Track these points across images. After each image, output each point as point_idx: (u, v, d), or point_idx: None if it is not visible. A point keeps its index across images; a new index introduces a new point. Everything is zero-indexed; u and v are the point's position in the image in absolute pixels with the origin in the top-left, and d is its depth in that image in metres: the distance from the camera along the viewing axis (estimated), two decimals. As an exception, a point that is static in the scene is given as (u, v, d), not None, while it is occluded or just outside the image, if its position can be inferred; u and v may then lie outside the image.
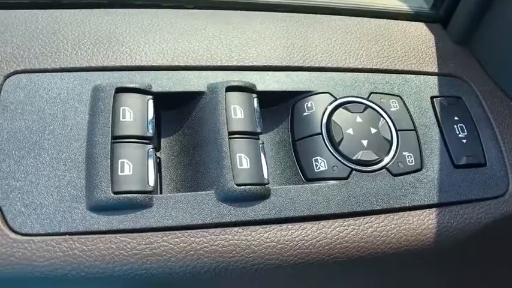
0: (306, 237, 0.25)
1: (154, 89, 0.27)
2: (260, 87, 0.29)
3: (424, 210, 0.28)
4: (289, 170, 0.28)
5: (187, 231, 0.24)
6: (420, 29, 0.36)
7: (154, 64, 0.28)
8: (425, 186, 0.28)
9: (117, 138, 0.25)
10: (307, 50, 0.31)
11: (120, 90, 0.26)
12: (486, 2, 0.33)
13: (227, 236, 0.24)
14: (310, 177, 0.27)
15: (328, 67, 0.31)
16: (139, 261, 0.23)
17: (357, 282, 0.29)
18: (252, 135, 0.27)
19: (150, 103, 0.26)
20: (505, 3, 0.32)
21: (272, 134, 0.29)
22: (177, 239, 0.24)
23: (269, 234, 0.25)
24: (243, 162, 0.26)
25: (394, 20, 0.36)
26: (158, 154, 0.28)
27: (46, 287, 0.23)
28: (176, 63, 0.28)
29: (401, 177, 0.28)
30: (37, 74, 0.27)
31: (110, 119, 0.25)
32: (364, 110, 0.29)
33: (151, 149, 0.25)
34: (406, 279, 0.31)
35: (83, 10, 0.30)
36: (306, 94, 0.29)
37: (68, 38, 0.28)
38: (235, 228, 0.25)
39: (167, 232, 0.24)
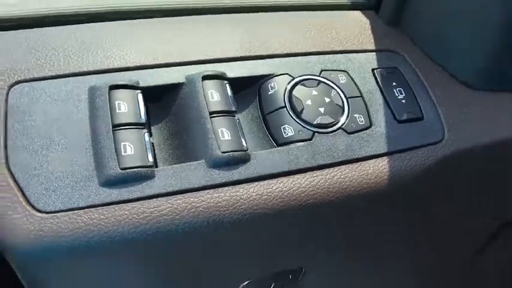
0: (284, 189, 0.31)
1: (142, 84, 0.32)
2: (230, 75, 0.34)
3: (377, 159, 0.34)
4: (263, 139, 0.33)
5: (186, 194, 0.29)
6: (357, 16, 0.42)
7: (138, 64, 0.33)
8: (376, 139, 0.34)
9: (116, 127, 0.29)
10: (265, 41, 0.37)
11: (113, 87, 0.31)
12: None
13: (219, 194, 0.29)
14: (281, 142, 0.33)
15: (285, 53, 0.37)
16: (150, 223, 0.28)
17: (329, 225, 0.35)
18: (228, 113, 0.32)
19: (140, 96, 0.31)
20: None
21: (245, 113, 0.35)
22: (179, 201, 0.29)
23: (253, 189, 0.30)
24: (225, 134, 0.31)
25: (335, 11, 0.43)
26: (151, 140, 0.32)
27: (72, 255, 0.27)
28: (157, 62, 0.33)
29: (355, 134, 0.34)
30: (37, 81, 0.31)
31: (109, 111, 0.30)
32: (318, 84, 0.35)
33: (146, 133, 0.30)
34: (368, 219, 0.36)
35: (67, 26, 0.35)
36: (269, 77, 0.35)
37: (58, 49, 0.33)
38: (226, 188, 0.30)
39: (170, 196, 0.29)
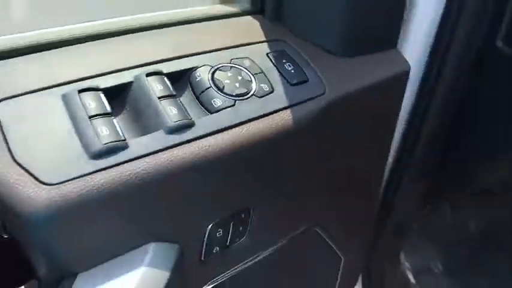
0: (222, 141, 0.43)
1: (101, 86, 0.42)
2: (166, 71, 0.46)
3: (281, 111, 0.48)
4: (200, 112, 0.45)
5: (154, 154, 0.40)
6: (249, 19, 0.57)
7: (96, 73, 0.43)
8: (279, 99, 0.48)
9: (91, 117, 0.40)
10: (188, 44, 0.49)
11: (81, 91, 0.41)
12: None
13: (178, 151, 0.41)
14: (213, 111, 0.45)
15: (203, 51, 0.49)
16: (132, 178, 0.38)
17: (257, 166, 0.48)
18: (171, 96, 0.44)
19: (102, 95, 0.42)
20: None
21: (183, 97, 0.47)
22: (151, 159, 0.40)
23: (202, 144, 0.42)
24: (172, 110, 0.42)
25: (233, 18, 0.57)
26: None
27: (78, 213, 0.37)
28: (111, 69, 0.44)
29: (264, 97, 0.48)
30: (17, 97, 0.40)
31: (82, 107, 0.40)
32: (231, 68, 0.49)
33: (114, 119, 0.41)
34: (287, 158, 0.50)
35: (33, 55, 0.44)
36: (194, 69, 0.47)
37: (31, 71, 0.42)
38: (181, 146, 0.41)
39: (143, 158, 0.39)
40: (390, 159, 0.88)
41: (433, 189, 1.31)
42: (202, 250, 0.50)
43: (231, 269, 0.57)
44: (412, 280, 1.37)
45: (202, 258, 0.51)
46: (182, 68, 0.47)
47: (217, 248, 0.51)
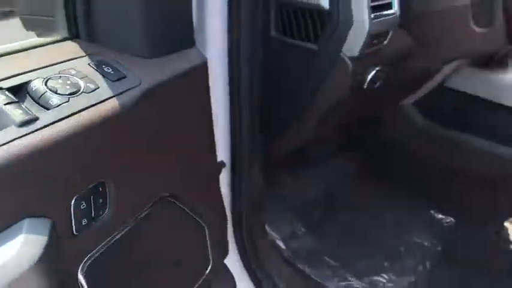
0: (63, 128, 0.57)
1: None
2: (5, 87, 0.58)
3: (108, 100, 0.63)
4: (41, 110, 0.58)
5: (10, 143, 0.52)
6: (71, 43, 0.72)
7: None
8: (105, 92, 0.64)
9: None
10: (21, 66, 0.62)
11: None
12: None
13: (29, 138, 0.52)
14: (52, 108, 0.59)
15: (35, 68, 0.63)
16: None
17: (103, 143, 0.63)
18: (15, 102, 0.56)
19: None
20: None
21: (24, 104, 0.59)
22: (7, 147, 0.51)
23: (46, 131, 0.55)
24: (18, 111, 0.55)
25: (59, 43, 0.72)
26: None
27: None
28: None
29: (92, 92, 0.63)
30: None
31: None
32: (60, 77, 0.63)
33: None
34: (115, 138, 0.66)
35: None
36: (30, 81, 0.59)
37: None
38: (31, 134, 0.53)
39: (1, 146, 0.51)
40: (225, 145, 1.07)
41: (273, 168, 1.57)
42: (72, 223, 0.62)
43: (103, 243, 0.70)
44: (282, 246, 1.60)
45: (75, 232, 0.62)
46: (19, 83, 0.60)
47: (85, 220, 0.64)
